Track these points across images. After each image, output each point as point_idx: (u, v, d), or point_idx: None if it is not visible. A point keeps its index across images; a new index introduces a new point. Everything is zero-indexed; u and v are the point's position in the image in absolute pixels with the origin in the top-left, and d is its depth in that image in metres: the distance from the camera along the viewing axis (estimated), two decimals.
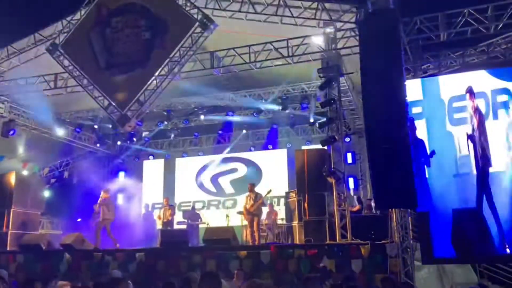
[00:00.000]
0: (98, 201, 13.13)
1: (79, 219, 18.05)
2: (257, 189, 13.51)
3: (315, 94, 15.29)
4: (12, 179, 13.99)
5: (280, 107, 16.19)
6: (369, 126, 9.02)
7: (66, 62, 13.29)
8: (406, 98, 8.95)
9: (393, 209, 9.77)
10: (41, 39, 14.01)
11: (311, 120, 16.24)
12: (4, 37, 14.20)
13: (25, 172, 17.50)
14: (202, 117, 17.37)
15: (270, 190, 13.05)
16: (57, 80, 13.90)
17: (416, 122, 9.84)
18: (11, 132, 14.79)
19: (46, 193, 17.13)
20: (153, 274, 10.37)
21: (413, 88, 9.95)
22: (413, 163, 8.63)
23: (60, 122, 17.51)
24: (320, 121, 12.00)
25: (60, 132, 17.37)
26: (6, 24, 14.05)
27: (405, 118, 8.78)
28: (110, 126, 17.29)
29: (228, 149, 19.15)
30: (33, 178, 17.13)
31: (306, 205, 11.20)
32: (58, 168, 20.25)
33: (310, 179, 11.36)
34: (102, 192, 13.17)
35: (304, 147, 16.92)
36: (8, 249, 12.93)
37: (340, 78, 11.58)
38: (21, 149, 17.68)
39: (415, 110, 9.92)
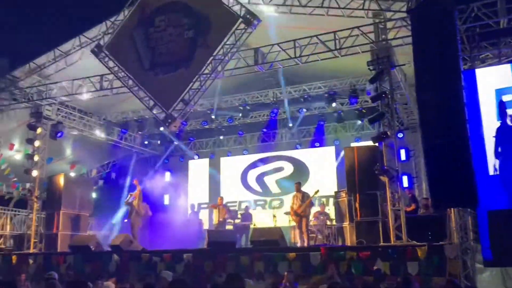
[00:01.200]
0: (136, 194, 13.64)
1: (126, 220, 18.60)
2: (304, 188, 13.43)
3: (364, 88, 15.04)
4: (61, 181, 14.54)
5: (327, 103, 16.01)
6: (424, 120, 8.75)
7: (111, 63, 13.69)
8: (463, 88, 8.62)
9: (452, 209, 9.43)
10: (86, 41, 14.49)
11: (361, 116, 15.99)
12: (50, 40, 14.84)
13: (73, 174, 18.21)
14: (246, 115, 17.39)
15: (318, 191, 12.94)
16: (102, 81, 14.32)
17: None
18: (59, 134, 15.37)
19: (94, 194, 17.66)
20: (200, 275, 10.50)
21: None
22: (472, 158, 8.31)
23: (106, 124, 18.09)
24: (370, 116, 11.75)
25: (105, 133, 17.93)
26: (51, 28, 14.67)
27: (463, 111, 8.46)
28: (156, 126, 17.64)
29: (272, 148, 19.18)
30: (81, 179, 17.82)
31: (357, 205, 10.99)
32: (105, 169, 20.93)
33: (361, 178, 11.14)
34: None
35: (353, 144, 16.64)
36: (58, 250, 13.47)
37: (392, 71, 11.28)
38: (68, 151, 18.40)
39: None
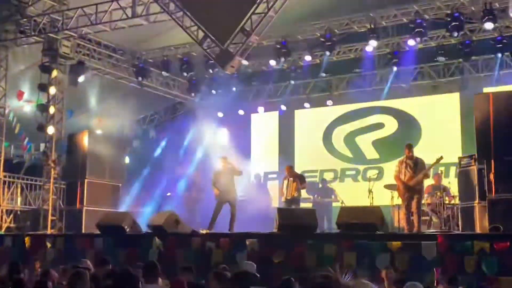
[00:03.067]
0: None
1: (169, 193, 19.16)
2: (416, 153, 13.12)
3: (505, 8, 14.29)
4: (84, 140, 15.11)
5: (450, 30, 15.40)
6: None
7: None
8: None
9: None
10: None
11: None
12: None
13: (100, 131, 18.79)
14: (331, 50, 17.06)
15: (441, 157, 12.61)
16: (135, 6, 14.45)
17: None
18: (81, 78, 15.80)
19: (128, 159, 18.18)
20: (269, 268, 10.61)
21: None
22: None
23: (142, 64, 18.41)
24: None
25: (140, 77, 18.31)
26: None
27: None
28: (207, 67, 17.78)
29: (368, 96, 18.95)
30: (111, 138, 18.36)
31: (492, 176, 10.68)
32: (142, 125, 21.47)
33: (499, 138, 10.82)
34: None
35: (487, 90, 16.05)
36: (83, 231, 14.10)
37: None
38: (93, 101, 18.94)
39: None
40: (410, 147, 12.69)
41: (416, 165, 12.23)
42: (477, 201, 11.53)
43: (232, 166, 14.23)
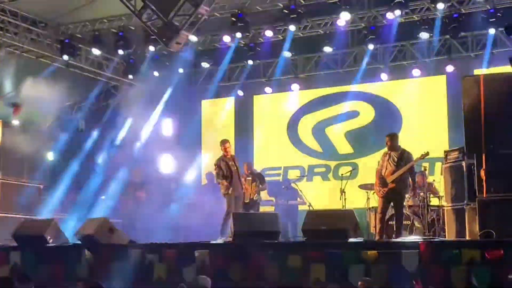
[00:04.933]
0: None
1: (103, 197, 19.02)
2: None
3: None
4: None
5: (433, 1, 15.64)
6: None
7: None
8: None
9: None
10: None
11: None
12: None
13: (16, 122, 18.53)
14: (295, 25, 17.14)
15: (427, 153, 12.79)
16: None
17: None
18: None
19: (52, 155, 17.99)
20: (225, 284, 10.68)
21: None
22: None
23: (68, 39, 18.19)
24: (508, 23, 11.44)
25: (66, 55, 18.07)
26: None
27: None
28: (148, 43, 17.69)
29: (340, 78, 19.09)
30: (31, 131, 18.13)
31: (483, 173, 10.85)
32: (69, 114, 21.24)
33: (491, 128, 10.94)
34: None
35: (477, 71, 16.37)
36: None
37: None
38: (8, 85, 18.66)
39: None
40: (391, 137, 12.79)
41: (402, 159, 12.33)
42: (465, 201, 11.66)
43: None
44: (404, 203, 13.60)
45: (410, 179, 12.57)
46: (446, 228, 12.82)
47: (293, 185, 17.58)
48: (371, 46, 17.87)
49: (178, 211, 17.17)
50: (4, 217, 14.39)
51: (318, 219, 11.74)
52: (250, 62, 19.36)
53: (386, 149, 12.74)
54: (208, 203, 16.95)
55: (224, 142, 14.17)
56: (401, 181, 12.30)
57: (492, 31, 16.64)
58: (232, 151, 14.32)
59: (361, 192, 14.63)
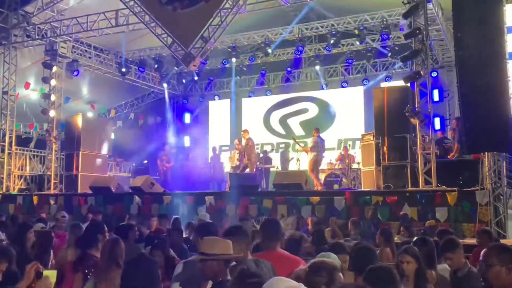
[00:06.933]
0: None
1: (145, 161, 19.06)
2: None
3: (397, 24, 14.61)
4: (79, 121, 14.84)
5: (357, 39, 15.66)
6: (461, 58, 8.54)
7: None
8: (505, 24, 8.34)
9: (485, 153, 9.37)
10: None
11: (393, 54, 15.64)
12: None
13: (91, 114, 18.51)
14: (269, 52, 17.03)
15: (293, 138, 13.61)
16: (118, 17, 14.20)
17: None
18: (75, 73, 15.50)
19: (113, 135, 18.01)
20: (223, 218, 10.82)
21: None
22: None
23: (123, 62, 18.09)
24: (403, 54, 11.49)
25: (122, 72, 17.98)
26: None
27: (504, 48, 8.22)
28: (174, 65, 17.61)
29: (297, 88, 19.15)
30: (99, 120, 18.13)
31: (385, 148, 10.99)
32: (123, 109, 21.19)
33: (390, 120, 11.07)
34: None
35: (383, 84, 16.49)
36: (79, 191, 13.97)
37: (428, 4, 10.89)
38: (85, 90, 18.62)
39: None
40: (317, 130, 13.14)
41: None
42: (374, 166, 11.74)
43: None
44: (336, 166, 13.80)
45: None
46: (362, 182, 13.01)
47: (268, 155, 17.63)
48: (317, 67, 17.98)
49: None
50: (84, 175, 14.43)
51: (283, 176, 11.92)
52: (239, 77, 19.35)
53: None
54: (213, 165, 17.13)
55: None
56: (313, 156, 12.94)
57: (392, 59, 16.71)
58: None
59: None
